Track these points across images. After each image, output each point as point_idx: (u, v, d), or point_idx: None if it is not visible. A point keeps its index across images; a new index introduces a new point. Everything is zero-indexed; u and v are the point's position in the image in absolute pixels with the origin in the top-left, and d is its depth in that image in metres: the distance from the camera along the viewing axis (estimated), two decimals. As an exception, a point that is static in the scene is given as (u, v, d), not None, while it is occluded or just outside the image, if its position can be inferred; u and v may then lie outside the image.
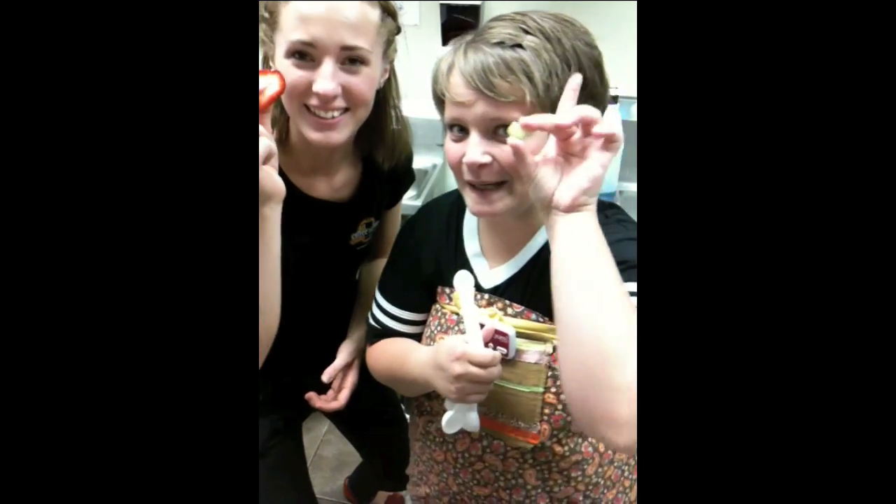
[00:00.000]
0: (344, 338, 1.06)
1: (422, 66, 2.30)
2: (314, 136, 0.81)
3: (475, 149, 0.68)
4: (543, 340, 0.76)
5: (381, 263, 1.04)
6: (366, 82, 0.80)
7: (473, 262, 0.82)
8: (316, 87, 0.76)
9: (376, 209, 1.01)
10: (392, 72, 0.90)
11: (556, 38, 0.65)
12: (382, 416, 1.32)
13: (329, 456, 1.91)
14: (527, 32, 0.65)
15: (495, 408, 0.79)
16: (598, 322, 0.54)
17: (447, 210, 0.87)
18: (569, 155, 0.59)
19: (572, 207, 0.58)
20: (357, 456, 1.63)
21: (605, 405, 0.53)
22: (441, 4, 1.77)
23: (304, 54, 0.76)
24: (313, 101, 0.78)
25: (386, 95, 0.90)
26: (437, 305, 0.86)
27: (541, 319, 0.76)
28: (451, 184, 2.18)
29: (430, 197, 1.97)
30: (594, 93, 0.68)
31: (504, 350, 0.75)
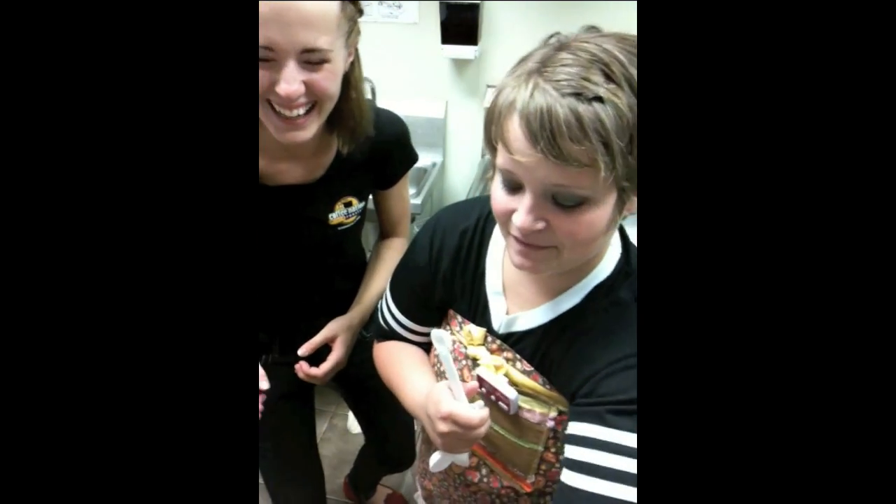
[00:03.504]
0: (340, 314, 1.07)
1: (421, 64, 2.30)
2: (280, 135, 0.80)
3: (529, 214, 0.58)
4: (548, 403, 0.72)
5: (392, 245, 1.10)
6: (329, 78, 0.77)
7: (491, 300, 0.75)
8: (279, 90, 0.74)
9: (356, 189, 1.00)
10: (356, 54, 0.86)
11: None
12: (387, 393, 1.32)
13: (329, 454, 1.92)
14: (609, 79, 0.52)
15: (494, 447, 0.78)
16: None
17: (472, 227, 0.78)
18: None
19: None
20: (357, 454, 1.63)
21: None
22: (440, 3, 1.77)
23: (263, 58, 0.72)
24: (276, 100, 0.76)
25: (349, 78, 0.86)
26: (448, 328, 0.81)
27: (548, 386, 0.71)
28: (452, 183, 2.19)
29: (430, 196, 1.98)
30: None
31: (505, 407, 0.72)
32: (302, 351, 0.99)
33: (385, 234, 1.15)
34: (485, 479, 0.82)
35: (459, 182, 2.18)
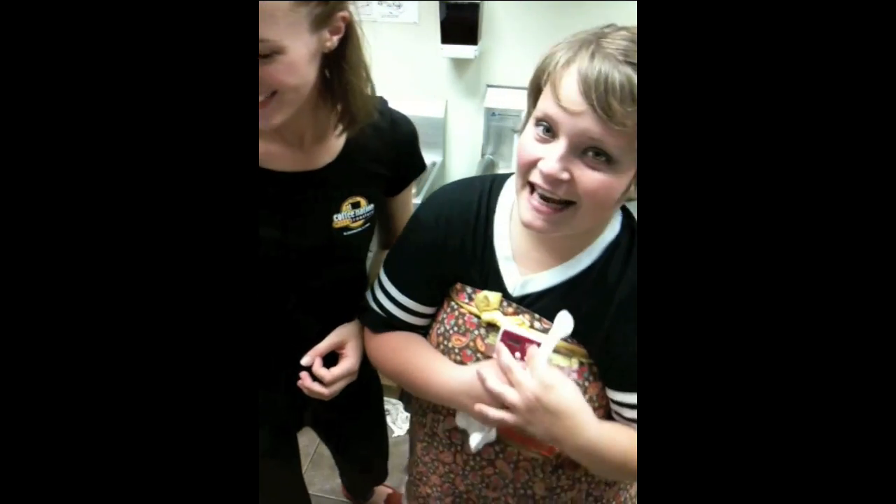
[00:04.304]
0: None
1: (421, 63, 2.30)
2: None
3: (559, 161, 0.61)
4: (569, 356, 0.73)
5: None
6: (284, 70, 0.68)
7: (503, 265, 0.77)
8: None
9: (366, 188, 0.90)
10: (350, 28, 0.76)
11: None
12: (361, 412, 1.26)
13: (329, 454, 1.91)
14: None
15: None
16: None
17: (477, 197, 0.79)
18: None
19: None
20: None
21: None
22: (440, 2, 1.77)
23: None
24: None
25: (338, 58, 0.77)
26: (455, 303, 0.80)
27: (570, 340, 0.73)
28: (451, 182, 2.18)
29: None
30: None
31: None
32: (305, 360, 0.90)
33: (387, 245, 1.08)
34: (500, 455, 0.81)
35: (459, 182, 2.17)
